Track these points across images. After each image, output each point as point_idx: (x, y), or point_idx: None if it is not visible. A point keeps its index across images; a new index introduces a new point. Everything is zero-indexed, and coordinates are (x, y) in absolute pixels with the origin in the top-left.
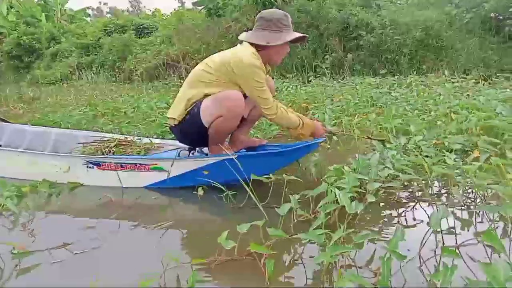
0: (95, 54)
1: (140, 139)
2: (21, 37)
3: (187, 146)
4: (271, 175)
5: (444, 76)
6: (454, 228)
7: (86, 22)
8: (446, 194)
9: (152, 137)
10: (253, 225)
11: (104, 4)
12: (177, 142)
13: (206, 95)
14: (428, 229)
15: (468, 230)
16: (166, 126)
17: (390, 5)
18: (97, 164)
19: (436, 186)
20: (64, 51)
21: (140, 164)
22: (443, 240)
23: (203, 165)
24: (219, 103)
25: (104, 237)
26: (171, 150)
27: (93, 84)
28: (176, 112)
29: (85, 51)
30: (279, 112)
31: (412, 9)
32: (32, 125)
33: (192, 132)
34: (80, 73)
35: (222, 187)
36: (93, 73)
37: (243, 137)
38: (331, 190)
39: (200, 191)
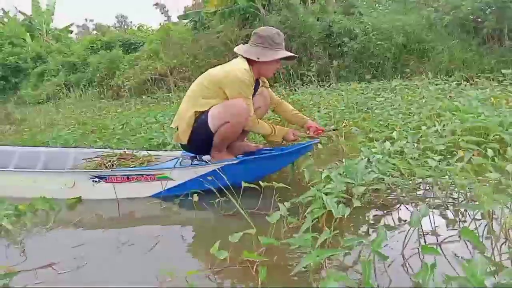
0: (83, 72)
1: (137, 152)
2: (7, 57)
3: (187, 156)
4: (260, 182)
5: (427, 78)
6: (437, 227)
7: (72, 40)
8: (430, 195)
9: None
10: (245, 232)
11: (90, 21)
12: (173, 153)
13: (207, 106)
14: (411, 229)
15: (451, 229)
16: (153, 140)
17: (372, 11)
18: (104, 178)
19: (420, 188)
20: (51, 70)
21: (147, 175)
22: (424, 239)
23: (207, 171)
24: (226, 110)
25: (94, 254)
26: (171, 160)
27: (81, 102)
28: (181, 130)
29: (72, 69)
30: (255, 122)
31: (393, 15)
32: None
33: (200, 138)
34: (68, 91)
35: (216, 192)
36: (81, 91)
37: (240, 143)
38: (319, 196)
39: (195, 197)
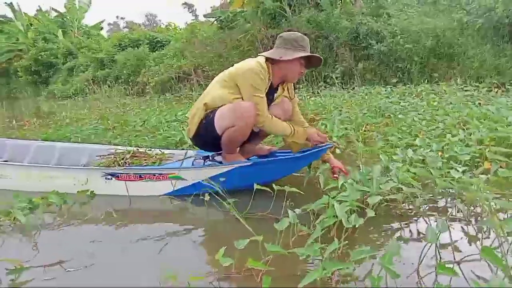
0: (110, 68)
1: (150, 150)
2: (39, 53)
3: (199, 156)
4: (273, 185)
5: (456, 84)
6: (458, 243)
7: (102, 37)
8: (451, 208)
9: (161, 149)
10: (252, 239)
11: (122, 18)
12: (185, 152)
13: (219, 100)
14: (427, 245)
15: (473, 246)
16: (171, 138)
17: (400, 14)
18: (116, 176)
19: (441, 199)
20: (80, 66)
21: (159, 174)
22: (440, 256)
23: (219, 172)
24: (232, 111)
25: (103, 251)
26: (183, 159)
27: (107, 97)
28: (192, 124)
29: (100, 65)
30: (269, 119)
31: (422, 17)
32: (42, 140)
33: (207, 136)
34: (96, 87)
35: (224, 195)
36: (108, 87)
37: (253, 147)
38: (332, 204)
39: (207, 197)
